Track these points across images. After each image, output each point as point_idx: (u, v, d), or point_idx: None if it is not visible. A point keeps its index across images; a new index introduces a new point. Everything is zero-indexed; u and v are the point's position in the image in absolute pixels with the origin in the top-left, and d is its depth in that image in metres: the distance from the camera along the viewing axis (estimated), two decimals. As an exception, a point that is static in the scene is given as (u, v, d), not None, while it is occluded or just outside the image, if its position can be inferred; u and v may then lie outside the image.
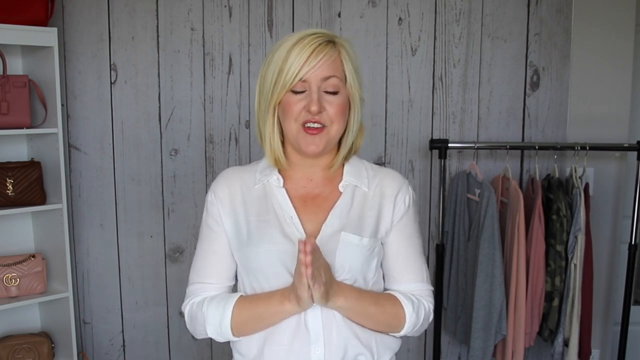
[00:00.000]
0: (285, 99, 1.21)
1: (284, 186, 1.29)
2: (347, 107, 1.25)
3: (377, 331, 1.29)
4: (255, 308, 1.23)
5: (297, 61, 1.18)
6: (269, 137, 1.26)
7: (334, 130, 1.23)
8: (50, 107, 2.24)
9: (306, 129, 1.21)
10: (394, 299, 1.29)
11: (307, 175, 1.30)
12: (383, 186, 1.31)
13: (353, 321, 1.25)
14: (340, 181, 1.30)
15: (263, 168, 1.32)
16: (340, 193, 1.29)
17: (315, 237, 1.23)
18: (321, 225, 1.25)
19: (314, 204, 1.28)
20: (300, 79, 1.18)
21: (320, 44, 1.19)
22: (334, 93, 1.21)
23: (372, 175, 1.33)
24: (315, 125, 1.20)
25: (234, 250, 1.29)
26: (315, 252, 1.13)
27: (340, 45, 1.23)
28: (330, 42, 1.21)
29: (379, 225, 1.28)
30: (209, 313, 1.25)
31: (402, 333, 1.31)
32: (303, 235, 1.23)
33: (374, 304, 1.25)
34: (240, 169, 1.36)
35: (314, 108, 1.18)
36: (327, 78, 1.20)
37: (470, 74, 2.55)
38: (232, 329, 1.24)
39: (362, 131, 1.32)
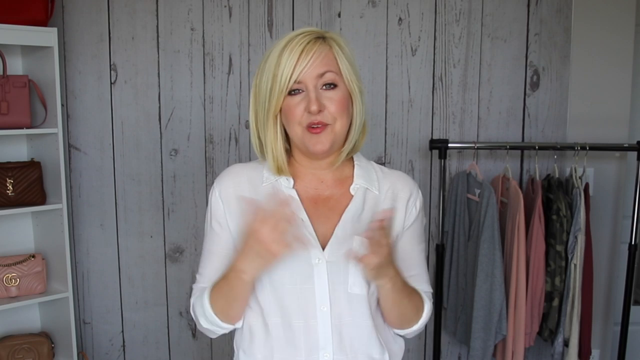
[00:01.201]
0: (286, 104, 1.19)
1: (294, 187, 1.26)
2: (349, 101, 1.22)
3: (392, 324, 1.29)
4: (222, 287, 1.20)
5: (289, 63, 1.15)
6: (271, 146, 1.23)
7: (339, 126, 1.20)
8: (50, 107, 2.24)
9: (310, 128, 1.19)
10: (418, 294, 1.29)
11: (318, 176, 1.28)
12: (395, 190, 1.29)
13: (381, 307, 1.24)
14: (351, 184, 1.28)
15: (271, 167, 1.28)
16: (352, 196, 1.27)
17: (328, 241, 1.21)
18: (333, 229, 1.23)
19: (325, 207, 1.25)
20: (295, 81, 1.16)
21: (309, 42, 1.16)
22: (332, 86, 1.19)
23: (382, 177, 1.31)
24: (318, 125, 1.18)
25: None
26: (383, 228, 1.10)
27: (331, 40, 1.20)
28: (320, 38, 1.19)
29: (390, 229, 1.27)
30: (196, 307, 1.25)
31: (414, 329, 1.30)
32: (315, 238, 1.21)
33: (408, 296, 1.24)
34: (245, 165, 1.32)
35: (313, 107, 1.16)
36: (321, 74, 1.17)
37: (470, 74, 2.55)
38: (216, 315, 1.22)
39: (364, 129, 1.30)
